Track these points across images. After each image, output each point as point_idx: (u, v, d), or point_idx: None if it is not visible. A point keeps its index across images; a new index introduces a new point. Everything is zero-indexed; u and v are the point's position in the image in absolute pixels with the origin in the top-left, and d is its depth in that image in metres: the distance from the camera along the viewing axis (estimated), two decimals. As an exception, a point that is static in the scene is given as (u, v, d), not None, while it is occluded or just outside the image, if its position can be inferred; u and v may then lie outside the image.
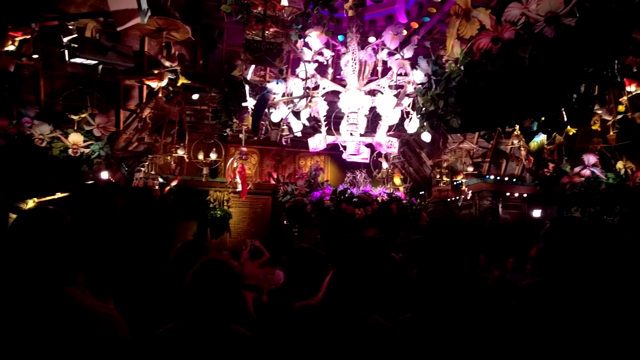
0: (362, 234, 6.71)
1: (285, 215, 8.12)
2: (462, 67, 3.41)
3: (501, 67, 2.88)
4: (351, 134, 5.39)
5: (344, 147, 5.52)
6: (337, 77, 5.93)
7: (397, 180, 8.72)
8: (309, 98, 5.25)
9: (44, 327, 1.36)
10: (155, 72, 5.74)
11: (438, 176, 9.18)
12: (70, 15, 3.34)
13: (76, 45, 3.80)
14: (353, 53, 5.43)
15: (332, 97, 5.74)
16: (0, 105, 5.78)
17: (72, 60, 3.85)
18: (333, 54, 5.70)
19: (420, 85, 4.20)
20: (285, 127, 6.08)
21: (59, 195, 8.99)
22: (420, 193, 10.26)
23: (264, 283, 6.13)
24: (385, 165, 8.52)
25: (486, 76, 3.01)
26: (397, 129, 5.61)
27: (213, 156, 8.99)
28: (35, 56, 5.17)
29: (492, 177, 9.50)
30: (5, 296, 1.39)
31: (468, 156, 9.04)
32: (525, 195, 9.70)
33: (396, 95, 5.27)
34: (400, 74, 5.32)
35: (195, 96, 7.44)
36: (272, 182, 11.09)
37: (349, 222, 6.63)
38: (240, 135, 6.67)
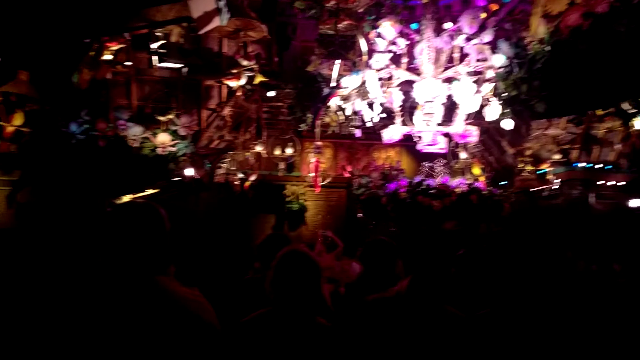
0: (440, 227, 6.55)
1: (360, 207, 8.12)
2: (548, 48, 3.20)
3: (594, 45, 2.67)
4: (427, 124, 5.27)
5: (420, 138, 5.41)
6: (412, 66, 5.81)
7: (476, 170, 8.37)
8: (383, 88, 5.21)
9: (138, 312, 1.45)
10: (234, 71, 5.97)
11: (521, 165, 8.69)
12: (158, 23, 3.57)
13: (163, 51, 4.06)
14: (428, 41, 5.30)
15: (406, 87, 5.64)
16: (99, 110, 6.32)
17: (159, 64, 4.12)
18: (407, 42, 5.59)
19: (501, 70, 4.01)
20: (358, 119, 6.08)
21: (149, 191, 9.68)
22: (502, 183, 9.78)
23: (340, 275, 6.18)
24: (463, 155, 8.23)
25: (576, 55, 2.81)
26: (476, 117, 5.40)
27: (289, 151, 9.20)
28: (128, 63, 5.60)
29: (582, 164, 8.81)
30: (102, 283, 1.51)
31: (554, 143, 8.47)
32: (621, 183, 8.90)
33: (475, 82, 5.07)
34: (479, 60, 5.11)
35: (271, 93, 7.64)
36: (347, 175, 11.12)
37: (425, 215, 6.49)
38: (316, 130, 6.75)
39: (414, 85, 5.33)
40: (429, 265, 2.26)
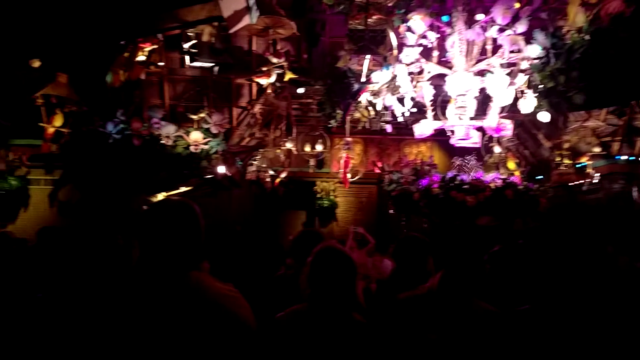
0: (474, 222, 6.43)
1: (391, 203, 8.06)
2: (587, 37, 3.08)
3: (636, 32, 2.55)
4: (460, 117, 5.16)
5: (452, 132, 5.31)
6: (443, 59, 5.70)
7: (511, 164, 8.18)
8: (414, 83, 5.14)
9: (176, 308, 1.47)
10: (264, 69, 6.02)
11: (558, 159, 8.43)
12: (190, 23, 3.64)
13: (195, 50, 4.13)
14: (459, 33, 5.18)
15: (438, 81, 5.55)
16: (133, 110, 6.50)
17: (191, 64, 4.19)
18: (438, 36, 5.48)
19: (536, 61, 3.88)
20: (388, 114, 6.02)
21: (182, 189, 9.88)
22: (538, 178, 9.51)
23: (372, 271, 6.15)
24: (497, 149, 8.04)
25: (617, 44, 2.69)
26: (510, 110, 5.26)
27: (319, 147, 9.21)
28: (161, 64, 5.73)
29: (624, 157, 8.47)
30: (139, 279, 1.54)
31: (594, 135, 8.17)
32: (666, 176, 8.52)
33: (508, 74, 4.94)
34: (513, 51, 4.97)
35: (300, 90, 7.66)
36: (377, 170, 11.05)
37: (459, 210, 6.38)
38: (345, 126, 6.74)
39: (446, 78, 5.23)
40: (461, 261, 2.23)
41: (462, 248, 2.30)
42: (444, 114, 5.40)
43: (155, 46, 5.49)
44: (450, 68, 5.28)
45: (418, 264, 2.86)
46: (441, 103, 5.41)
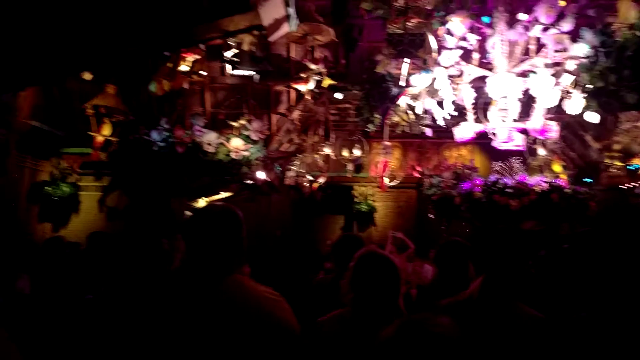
0: (518, 227, 6.24)
1: (431, 208, 7.94)
2: (639, 33, 2.95)
3: (694, 28, 2.42)
4: (502, 120, 5.04)
5: (495, 135, 5.20)
6: (484, 61, 5.59)
7: (556, 167, 7.89)
8: (454, 86, 5.06)
9: (220, 310, 1.49)
10: (303, 76, 6.08)
11: (608, 161, 8.07)
12: (231, 33, 3.73)
13: (236, 59, 4.22)
14: (500, 34, 5.07)
15: (479, 83, 5.44)
16: (177, 118, 6.70)
17: (233, 72, 4.29)
18: (478, 37, 5.38)
19: (584, 60, 3.75)
20: (428, 117, 5.95)
21: (223, 194, 10.08)
22: (587, 180, 9.14)
23: (412, 277, 6.08)
24: (541, 151, 7.79)
25: (673, 40, 2.56)
26: (556, 112, 5.09)
27: (357, 152, 9.19)
28: (203, 73, 5.88)
29: (679, 158, 8.03)
30: (183, 281, 1.58)
31: (646, 136, 7.79)
32: None
33: (553, 74, 4.79)
34: (558, 50, 4.81)
35: (338, 95, 7.69)
36: (416, 175, 10.92)
37: (502, 214, 6.22)
38: (384, 130, 6.70)
39: (487, 80, 5.13)
40: (503, 265, 2.18)
41: (505, 252, 2.24)
42: (485, 116, 5.30)
43: (197, 56, 5.65)
44: (491, 70, 5.18)
45: (460, 270, 2.80)
46: (483, 105, 5.31)
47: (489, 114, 5.22)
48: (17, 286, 4.54)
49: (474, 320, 2.09)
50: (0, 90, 4.04)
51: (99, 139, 7.01)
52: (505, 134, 5.07)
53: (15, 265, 4.68)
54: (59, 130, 8.13)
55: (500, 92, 4.99)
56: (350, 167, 9.32)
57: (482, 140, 6.10)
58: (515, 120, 5.08)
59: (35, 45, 3.66)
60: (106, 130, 7.03)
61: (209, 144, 6.41)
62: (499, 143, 5.17)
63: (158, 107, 7.69)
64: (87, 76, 6.71)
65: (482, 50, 5.48)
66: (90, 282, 5.12)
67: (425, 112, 5.62)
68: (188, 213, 8.68)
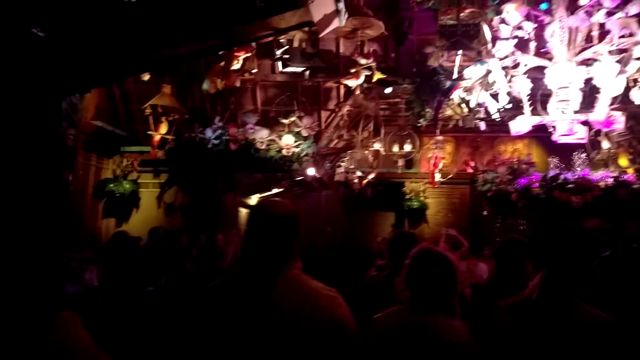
0: (580, 224, 5.93)
1: (486, 204, 7.70)
2: None
3: None
4: (562, 112, 4.81)
5: (554, 128, 4.96)
6: (542, 50, 5.34)
7: (623, 161, 7.42)
8: (508, 77, 4.88)
9: (279, 304, 1.49)
10: (352, 71, 6.05)
11: (680, 153, 7.50)
12: (282, 30, 3.77)
13: (287, 56, 4.26)
14: (560, 21, 4.83)
15: (536, 73, 5.21)
16: (229, 115, 6.88)
17: (284, 70, 4.33)
18: (535, 25, 5.15)
19: (654, 45, 3.50)
20: (482, 111, 5.77)
21: (275, 191, 10.23)
22: (656, 175, 8.55)
23: (466, 275, 5.93)
24: (606, 144, 7.35)
25: None
26: (621, 101, 4.80)
27: (407, 147, 9.05)
28: (254, 71, 6.00)
29: None
30: (241, 275, 1.60)
31: None
32: None
33: (619, 62, 4.51)
34: (623, 36, 4.52)
35: (388, 90, 7.60)
36: (470, 170, 10.62)
37: (563, 211, 5.93)
38: (436, 125, 6.56)
39: (546, 71, 4.90)
40: (565, 265, 2.08)
41: (566, 250, 2.14)
42: (544, 108, 5.06)
43: (248, 54, 5.76)
44: (550, 59, 4.94)
45: (519, 269, 2.70)
46: (541, 97, 5.08)
47: (548, 105, 4.99)
48: (84, 278, 4.84)
49: (535, 320, 2.01)
50: (69, 91, 4.30)
51: (157, 137, 7.32)
52: (566, 126, 4.83)
53: (85, 259, 5.01)
54: (121, 130, 8.56)
55: (560, 82, 4.76)
56: (401, 162, 9.19)
57: (540, 134, 5.83)
58: (576, 112, 4.82)
59: (98, 47, 3.87)
60: (163, 129, 7.33)
61: (261, 141, 6.53)
62: (558, 136, 4.94)
63: (212, 106, 7.91)
64: (146, 77, 7.02)
65: (540, 39, 5.25)
66: (150, 275, 5.39)
67: (479, 105, 5.45)
68: (242, 209, 8.91)
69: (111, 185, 8.28)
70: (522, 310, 2.09)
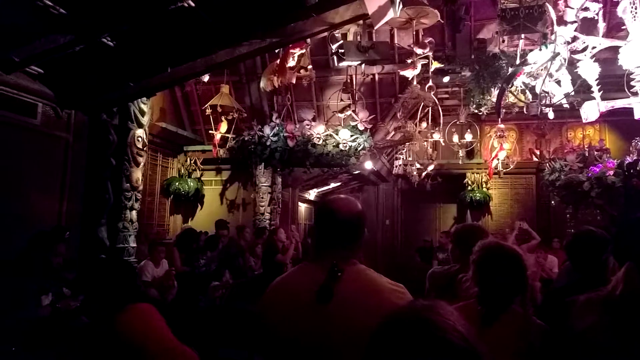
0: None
1: (554, 194, 7.31)
2: None
3: None
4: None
5: (632, 110, 4.60)
6: (612, 30, 4.97)
7: None
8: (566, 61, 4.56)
9: (341, 298, 1.47)
10: (409, 61, 5.94)
11: None
12: (336, 25, 3.76)
13: (342, 51, 4.24)
14: (631, -5, 4.46)
15: (608, 54, 4.87)
16: (286, 112, 6.98)
17: (340, 64, 4.30)
18: (601, 5, 4.79)
19: None
20: (548, 97, 5.45)
21: (333, 185, 10.29)
22: None
23: (534, 268, 5.70)
24: (692, 127, 6.75)
25: None
26: None
27: (468, 137, 8.77)
28: (309, 67, 6.03)
29: None
30: (305, 270, 1.62)
31: None
32: None
33: None
34: None
35: (446, 79, 7.40)
36: (535, 159, 10.14)
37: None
38: (498, 112, 6.29)
39: (620, 50, 4.56)
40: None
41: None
42: (618, 90, 4.71)
43: (303, 50, 5.80)
44: (622, 39, 4.58)
45: (596, 263, 2.54)
46: (614, 78, 4.73)
47: (627, 87, 4.63)
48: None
49: (620, 318, 1.88)
50: (138, 94, 4.54)
51: (217, 136, 7.56)
52: (646, 108, 4.47)
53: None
54: (183, 130, 8.94)
55: (636, 61, 4.41)
56: (461, 153, 8.92)
57: (613, 118, 5.46)
58: (656, 92, 4.45)
59: (163, 51, 4.07)
60: (223, 127, 7.56)
61: (318, 137, 6.57)
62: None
63: (269, 103, 8.06)
64: (206, 78, 7.26)
65: (610, 17, 4.87)
66: (215, 270, 5.63)
67: (545, 91, 5.16)
68: (301, 204, 9.03)
69: (177, 183, 8.68)
70: (605, 308, 1.96)
